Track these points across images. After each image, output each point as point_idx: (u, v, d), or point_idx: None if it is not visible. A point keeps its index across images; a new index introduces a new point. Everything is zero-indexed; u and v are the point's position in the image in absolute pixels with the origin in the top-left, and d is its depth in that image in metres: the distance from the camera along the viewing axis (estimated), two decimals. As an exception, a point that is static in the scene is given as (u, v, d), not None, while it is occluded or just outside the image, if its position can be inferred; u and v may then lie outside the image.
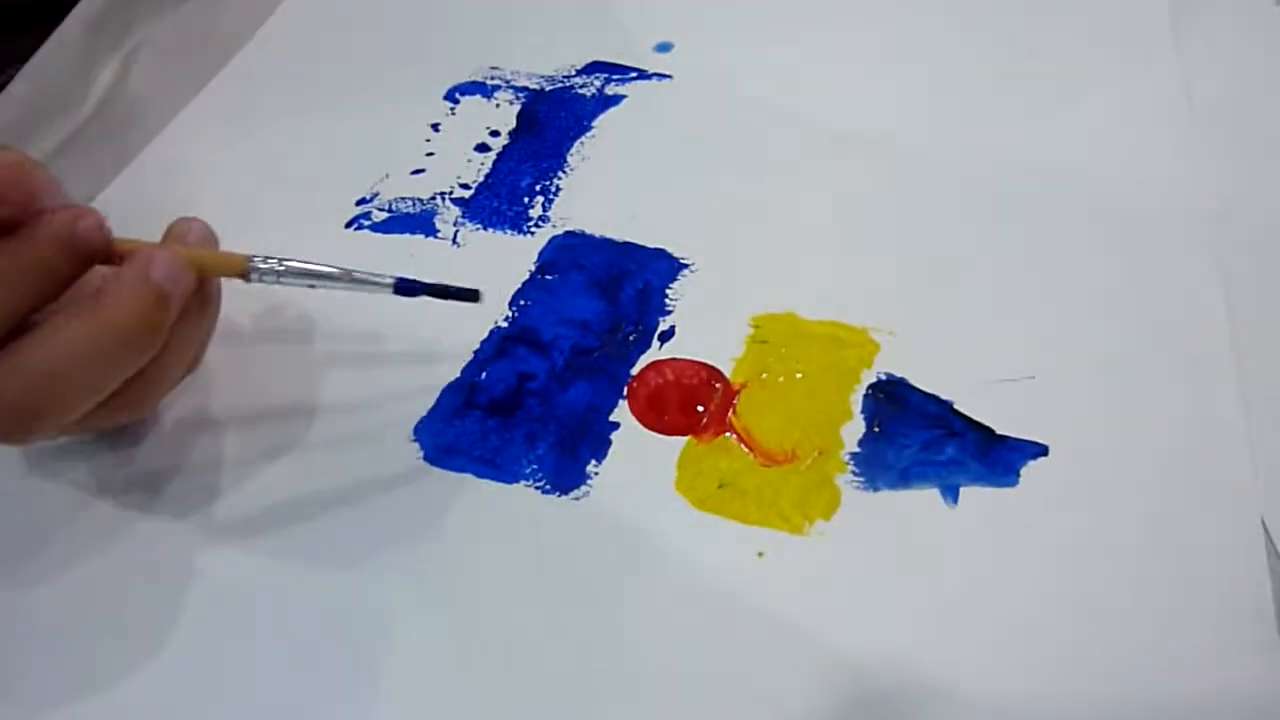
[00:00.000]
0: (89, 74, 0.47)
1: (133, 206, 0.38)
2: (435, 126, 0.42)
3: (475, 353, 0.33)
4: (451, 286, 0.30)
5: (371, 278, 0.29)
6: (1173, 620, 0.25)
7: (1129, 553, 0.27)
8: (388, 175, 0.40)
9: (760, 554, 0.27)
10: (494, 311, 0.34)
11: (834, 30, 0.45)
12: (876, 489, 0.28)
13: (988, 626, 0.25)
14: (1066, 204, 0.36)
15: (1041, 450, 0.28)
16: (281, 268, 0.28)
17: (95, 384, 0.24)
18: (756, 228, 0.36)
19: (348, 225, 0.38)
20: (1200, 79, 0.41)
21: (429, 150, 0.41)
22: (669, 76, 0.44)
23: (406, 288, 0.29)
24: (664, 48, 0.45)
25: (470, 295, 0.30)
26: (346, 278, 0.29)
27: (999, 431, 0.29)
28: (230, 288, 0.30)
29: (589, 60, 0.45)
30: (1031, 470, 0.28)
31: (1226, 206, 0.35)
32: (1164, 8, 0.44)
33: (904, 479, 0.28)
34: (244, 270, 0.28)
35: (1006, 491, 0.28)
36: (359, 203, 0.39)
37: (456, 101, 0.43)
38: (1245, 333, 0.31)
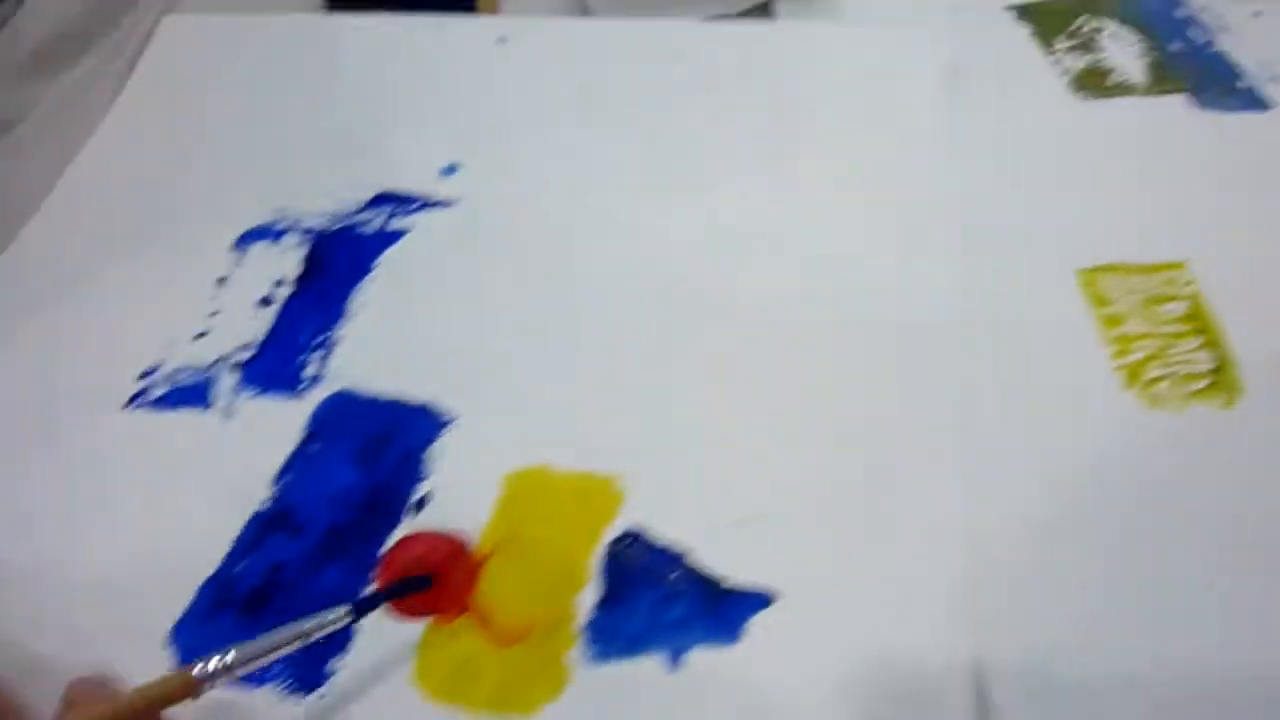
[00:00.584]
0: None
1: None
2: (222, 281, 0.42)
3: (235, 542, 0.33)
4: (403, 583, 0.29)
5: (326, 621, 0.26)
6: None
7: (848, 707, 0.27)
8: (172, 344, 0.40)
9: (488, 739, 0.27)
10: (258, 493, 0.34)
11: (622, 146, 0.45)
12: (606, 660, 0.28)
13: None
14: (811, 335, 0.37)
15: (764, 601, 0.29)
16: (231, 660, 0.25)
17: None
18: (519, 372, 0.37)
19: (126, 405, 0.38)
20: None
21: (213, 309, 0.41)
22: (452, 204, 0.44)
23: (366, 607, 0.28)
24: (450, 170, 0.46)
25: (421, 584, 0.30)
26: (301, 635, 0.26)
27: (728, 582, 0.30)
28: None
29: (375, 192, 0.45)
30: (757, 623, 0.29)
31: (965, 316, 0.36)
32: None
33: (632, 646, 0.29)
34: (194, 686, 0.24)
35: (730, 649, 0.28)
36: (139, 378, 0.39)
37: (245, 250, 0.44)
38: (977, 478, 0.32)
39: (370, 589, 0.31)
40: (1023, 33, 0.50)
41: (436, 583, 0.30)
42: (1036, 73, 0.47)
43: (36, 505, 0.35)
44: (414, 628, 0.30)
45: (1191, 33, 0.49)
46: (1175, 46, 0.48)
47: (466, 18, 0.53)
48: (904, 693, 0.27)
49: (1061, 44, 0.49)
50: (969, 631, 0.28)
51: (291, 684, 0.29)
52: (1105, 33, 0.49)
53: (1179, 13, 0.50)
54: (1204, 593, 0.28)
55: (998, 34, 0.49)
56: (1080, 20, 0.50)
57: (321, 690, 0.29)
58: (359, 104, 0.49)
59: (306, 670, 0.29)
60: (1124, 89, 0.46)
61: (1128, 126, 0.44)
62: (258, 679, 0.29)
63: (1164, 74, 0.46)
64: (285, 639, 0.26)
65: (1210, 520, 0.30)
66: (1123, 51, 0.48)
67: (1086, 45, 0.49)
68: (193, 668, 0.24)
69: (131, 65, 0.54)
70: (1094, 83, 0.46)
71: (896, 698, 0.27)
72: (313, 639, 0.26)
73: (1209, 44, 0.48)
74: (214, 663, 0.24)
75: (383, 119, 0.48)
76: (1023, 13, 0.51)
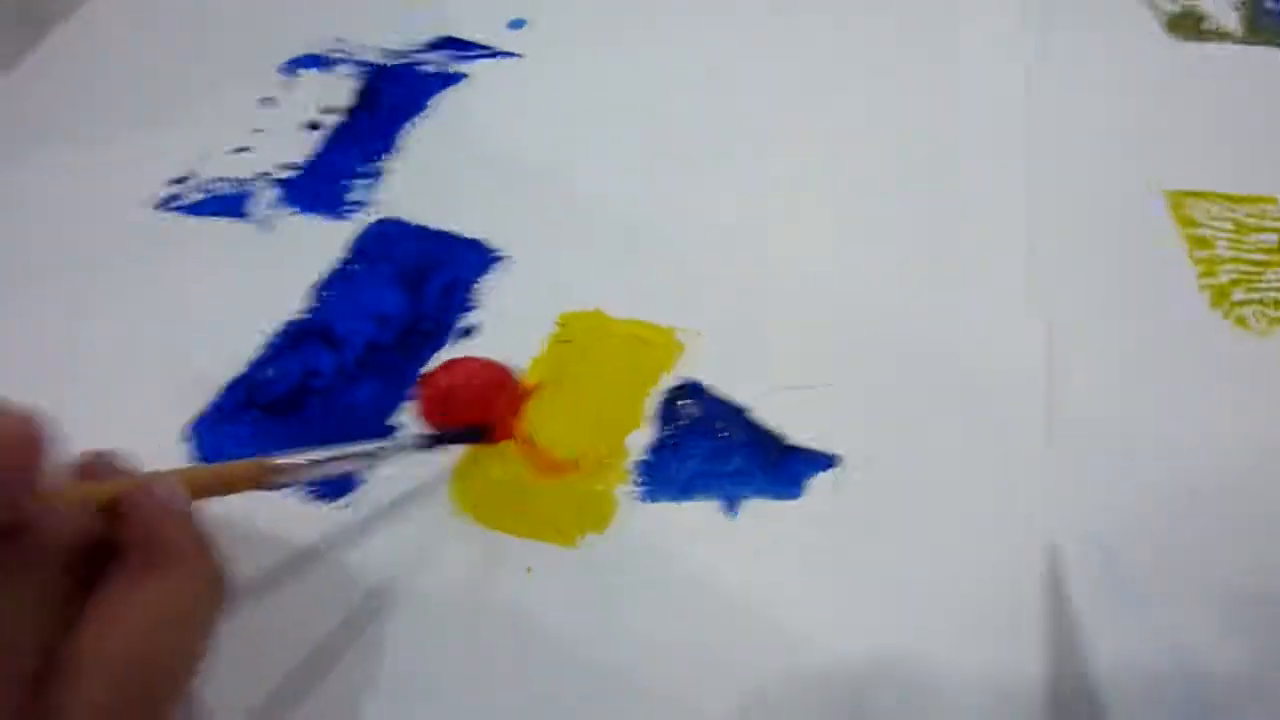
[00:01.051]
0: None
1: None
2: (265, 100, 0.40)
3: (265, 347, 0.31)
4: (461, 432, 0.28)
5: (391, 447, 0.25)
6: (952, 638, 0.24)
7: (912, 573, 0.26)
8: (207, 154, 0.38)
9: (529, 569, 0.26)
10: (293, 304, 0.32)
11: (684, 31, 0.43)
12: (656, 499, 0.27)
13: (758, 645, 0.24)
14: (884, 214, 0.35)
15: (828, 462, 0.27)
16: (303, 462, 0.23)
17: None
18: (578, 222, 0.35)
19: (157, 206, 0.36)
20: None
21: (257, 126, 0.39)
22: (517, 55, 0.42)
23: (432, 442, 0.27)
24: (517, 24, 0.44)
25: (475, 435, 0.28)
26: (369, 456, 0.25)
27: (791, 440, 0.28)
28: None
29: (436, 34, 0.43)
30: (818, 483, 0.27)
31: (1037, 199, 0.35)
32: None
33: (686, 489, 0.27)
34: (266, 476, 0.22)
35: (789, 504, 0.27)
36: (171, 182, 0.37)
37: (294, 75, 0.41)
38: (1060, 357, 0.30)
39: (412, 416, 0.29)
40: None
41: (481, 404, 0.28)
42: (1130, 9, 0.46)
43: (55, 293, 0.33)
44: (452, 449, 0.28)
45: (1286, -6, 0.47)
46: (1270, 4, 0.47)
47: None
48: (973, 567, 0.26)
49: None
50: (1041, 516, 0.27)
51: (317, 491, 0.27)
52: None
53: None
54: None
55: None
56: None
57: (346, 500, 0.27)
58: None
59: (333, 479, 0.28)
60: (1219, 34, 0.44)
61: (1220, 69, 0.42)
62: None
63: (1258, 27, 0.45)
64: (353, 455, 0.24)
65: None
66: (1216, 1, 0.46)
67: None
68: (271, 459, 0.22)
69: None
70: (1188, 25, 0.45)
71: (964, 572, 0.26)
72: (377, 462, 0.25)
73: (1304, 6, 0.47)
74: (286, 459, 0.22)
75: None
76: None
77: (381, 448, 0.25)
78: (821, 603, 0.25)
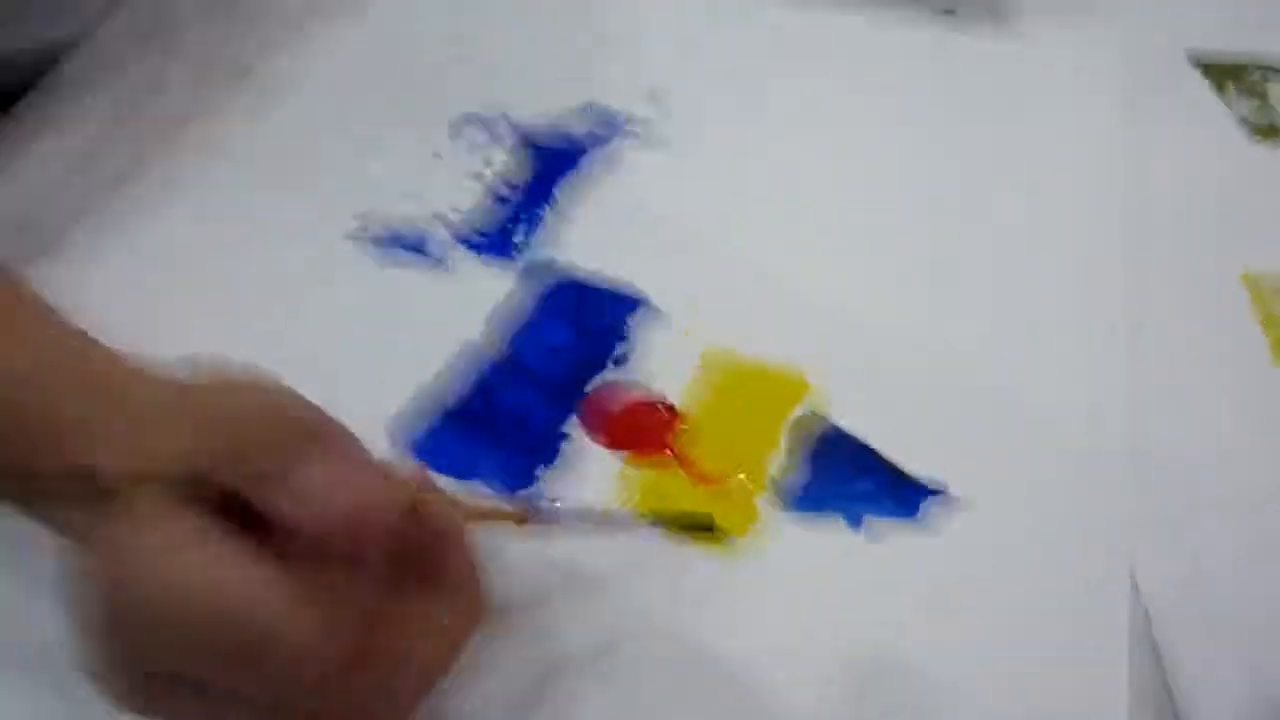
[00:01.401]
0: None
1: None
2: (437, 155, 0.46)
3: (454, 369, 0.36)
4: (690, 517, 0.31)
5: (630, 518, 0.30)
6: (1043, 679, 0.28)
7: (1010, 594, 0.30)
8: (385, 196, 0.44)
9: (680, 565, 0.30)
10: (473, 331, 0.37)
11: (811, 102, 0.49)
12: (792, 510, 0.31)
13: (867, 643, 0.29)
14: (989, 284, 0.40)
15: (940, 491, 0.32)
16: (556, 511, 0.29)
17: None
18: (716, 272, 0.40)
19: (346, 238, 0.42)
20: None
21: (428, 176, 0.45)
22: (653, 121, 0.47)
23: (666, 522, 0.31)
24: (654, 95, 0.49)
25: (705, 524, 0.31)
26: (613, 520, 0.30)
27: (907, 471, 0.32)
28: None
29: (584, 101, 0.49)
30: (931, 507, 0.31)
31: (1133, 278, 0.39)
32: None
33: (818, 504, 0.31)
34: (525, 517, 0.27)
35: (906, 524, 0.31)
36: (356, 217, 0.43)
37: (459, 132, 0.47)
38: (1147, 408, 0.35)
39: (580, 432, 0.34)
40: (1195, 74, 0.53)
41: (639, 422, 0.33)
42: (1209, 113, 0.50)
43: (256, 307, 0.38)
44: (614, 458, 0.33)
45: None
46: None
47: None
48: (1060, 595, 0.30)
49: (1231, 90, 0.52)
50: (1129, 556, 0.31)
51: (503, 482, 0.32)
52: (1273, 84, 0.52)
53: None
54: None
55: (1173, 72, 0.53)
56: (1250, 71, 0.53)
57: (524, 493, 0.32)
58: (583, 23, 0.53)
59: (517, 474, 0.32)
60: (1293, 138, 0.49)
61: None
62: (469, 473, 0.32)
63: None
64: (598, 518, 0.30)
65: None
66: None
67: (1257, 93, 0.52)
68: (530, 503, 0.28)
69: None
70: (1265, 129, 0.49)
71: (1053, 601, 0.30)
72: (618, 528, 0.30)
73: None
74: (545, 504, 0.28)
75: (598, 42, 0.52)
76: (1200, 64, 0.54)
77: (624, 519, 0.30)
78: (923, 618, 0.29)
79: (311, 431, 0.22)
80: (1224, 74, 0.53)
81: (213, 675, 0.20)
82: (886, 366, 0.36)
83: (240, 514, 0.21)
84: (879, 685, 0.28)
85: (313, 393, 0.33)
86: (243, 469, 0.21)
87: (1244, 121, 0.50)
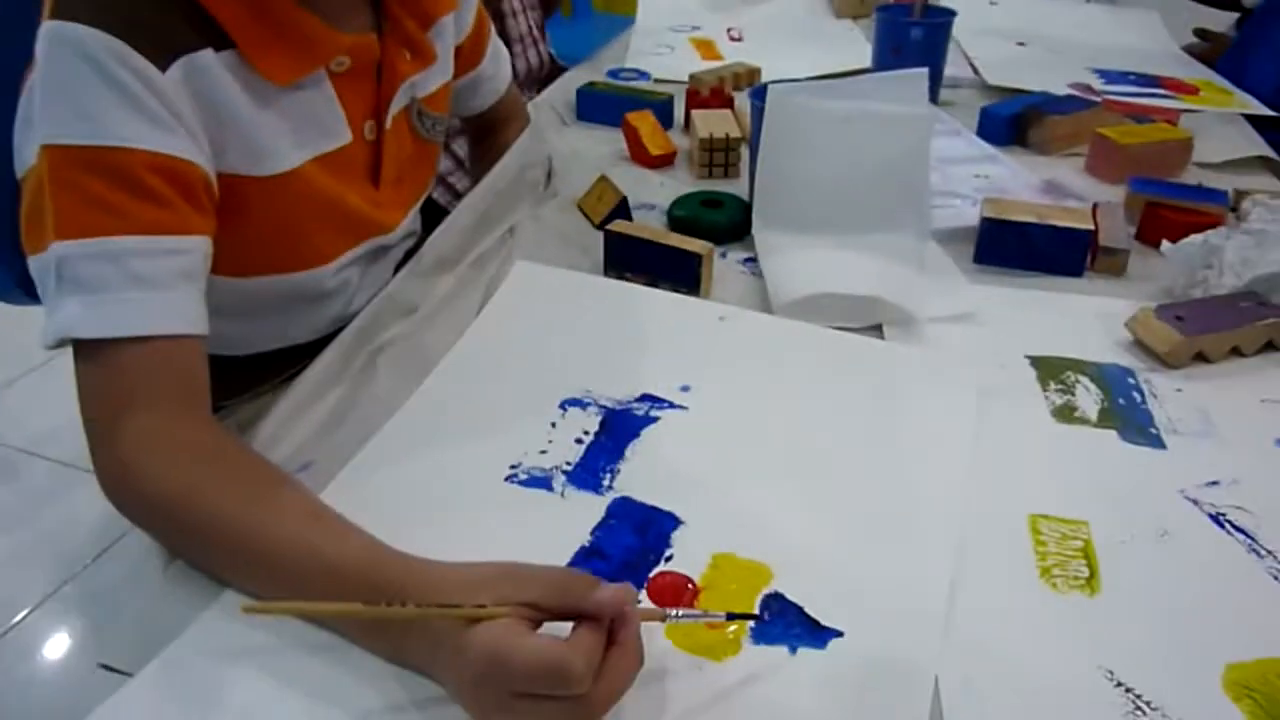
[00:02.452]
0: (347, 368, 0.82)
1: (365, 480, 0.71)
2: (553, 424, 0.76)
3: (572, 557, 0.64)
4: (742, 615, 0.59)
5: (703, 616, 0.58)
6: None
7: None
8: (526, 452, 0.73)
9: (700, 667, 0.57)
10: (581, 539, 0.66)
11: (782, 394, 0.79)
12: (758, 645, 0.59)
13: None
14: (850, 509, 0.68)
15: (839, 633, 0.59)
16: (678, 615, 0.57)
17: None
18: (720, 503, 0.69)
19: (505, 480, 0.71)
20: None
21: (550, 438, 0.75)
22: (686, 407, 0.78)
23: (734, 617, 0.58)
24: (686, 388, 0.80)
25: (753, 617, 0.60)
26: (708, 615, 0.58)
27: (821, 622, 0.60)
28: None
29: (641, 392, 0.79)
30: (833, 644, 0.59)
31: (959, 517, 0.67)
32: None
33: (774, 640, 0.59)
34: (664, 618, 0.55)
35: (818, 652, 0.58)
36: (510, 467, 0.72)
37: (565, 410, 0.78)
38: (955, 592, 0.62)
39: (643, 594, 0.62)
40: (1030, 375, 0.83)
41: (678, 593, 0.61)
42: (1032, 401, 0.80)
43: (442, 527, 0.67)
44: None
45: (1134, 394, 0.81)
46: (1121, 401, 0.81)
47: (699, 301, 0.90)
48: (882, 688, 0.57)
49: (1052, 387, 0.82)
50: (933, 667, 0.58)
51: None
52: (1080, 384, 0.82)
53: (1130, 379, 0.83)
54: None
55: (1015, 374, 0.83)
56: (1067, 373, 0.83)
57: (616, 632, 0.60)
58: (636, 342, 0.84)
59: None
60: (1081, 420, 0.78)
61: (1078, 445, 0.76)
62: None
63: (1107, 416, 0.79)
64: (698, 615, 0.58)
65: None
66: (1088, 397, 0.81)
67: (1068, 389, 0.82)
68: (666, 610, 0.56)
69: (493, 282, 0.91)
70: (1066, 415, 0.79)
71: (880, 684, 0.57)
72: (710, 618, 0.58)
73: (1142, 402, 0.80)
74: (672, 611, 0.56)
75: (649, 350, 0.83)
76: (1034, 361, 0.84)
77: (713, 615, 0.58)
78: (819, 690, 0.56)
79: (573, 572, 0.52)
80: (1048, 371, 0.84)
81: (536, 689, 0.48)
82: (814, 564, 0.64)
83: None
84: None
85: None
86: (565, 600, 0.51)
87: (1054, 408, 0.80)
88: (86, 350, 0.65)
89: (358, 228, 0.88)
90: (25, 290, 0.98)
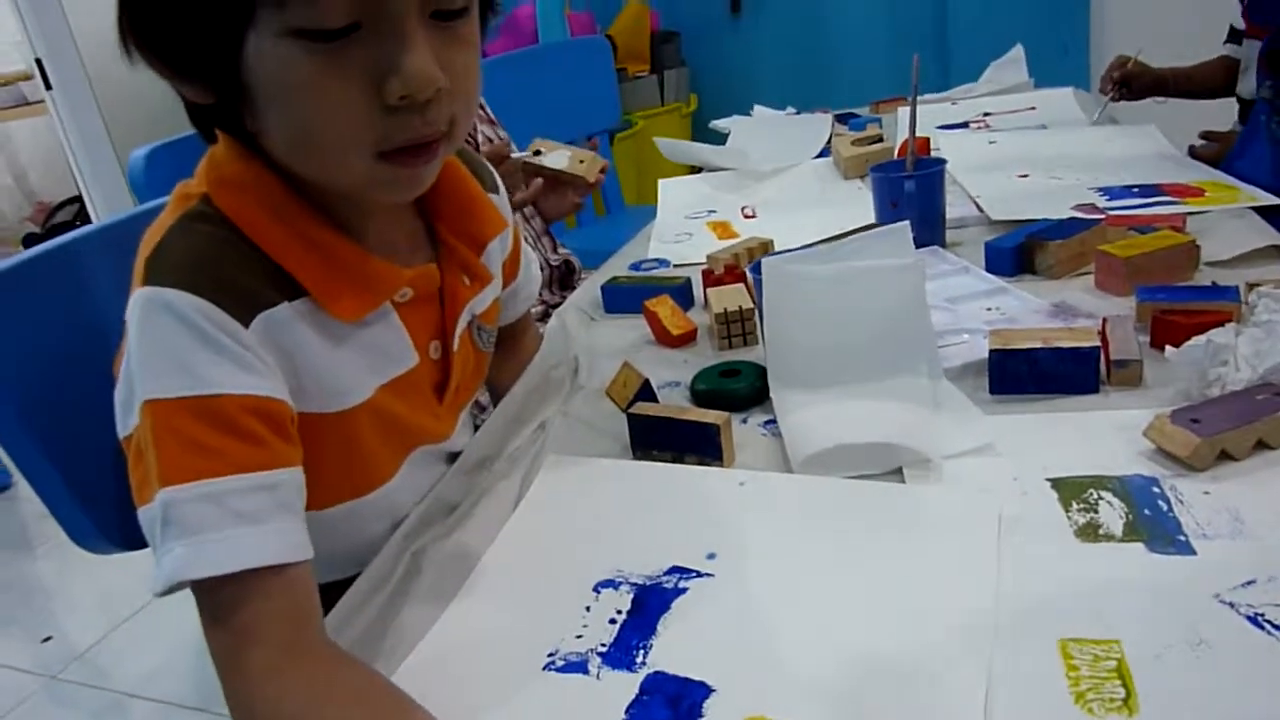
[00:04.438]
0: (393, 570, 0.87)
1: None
2: (587, 608, 0.79)
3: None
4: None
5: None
6: None
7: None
8: (564, 639, 0.76)
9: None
10: (617, 718, 0.68)
11: (806, 551, 0.82)
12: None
13: None
14: (868, 634, 0.69)
15: (872, 785, 0.59)
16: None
17: None
18: (751, 666, 0.70)
19: (544, 669, 0.74)
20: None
21: (585, 622, 0.78)
22: (712, 575, 0.80)
23: None
24: (711, 555, 0.83)
25: None
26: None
27: (855, 776, 0.60)
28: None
29: (670, 565, 0.82)
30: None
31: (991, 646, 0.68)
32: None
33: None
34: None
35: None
36: (548, 655, 0.75)
37: (598, 592, 0.81)
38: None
39: (676, 765, 0.63)
40: (1052, 498, 0.84)
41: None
42: (1055, 523, 0.81)
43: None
44: (699, 784, 0.62)
45: (1159, 502, 0.81)
46: (1146, 511, 0.81)
47: (720, 470, 0.94)
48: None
49: (1074, 507, 0.82)
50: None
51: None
52: (1103, 500, 0.83)
53: (1154, 489, 0.83)
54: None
55: (1037, 498, 0.84)
56: (1089, 491, 0.84)
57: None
58: (662, 517, 0.88)
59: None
60: (1106, 536, 0.78)
61: (1105, 562, 0.76)
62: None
63: (1133, 528, 0.79)
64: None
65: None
66: (1111, 513, 0.81)
67: (1090, 507, 0.82)
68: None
69: (528, 476, 0.97)
70: (1090, 533, 0.79)
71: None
72: None
73: (1169, 510, 0.80)
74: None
75: (675, 523, 0.87)
76: (1055, 484, 0.85)
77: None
78: None
79: None
80: (1069, 492, 0.84)
81: None
82: (848, 717, 0.65)
83: None
84: None
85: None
86: None
87: (1077, 528, 0.80)
88: (199, 591, 0.71)
89: (417, 440, 0.95)
90: (124, 542, 1.08)
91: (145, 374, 0.74)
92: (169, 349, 0.74)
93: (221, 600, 0.71)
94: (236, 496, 0.72)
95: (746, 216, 1.77)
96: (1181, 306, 1.09)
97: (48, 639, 2.17)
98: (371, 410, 0.88)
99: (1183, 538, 0.77)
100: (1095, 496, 0.84)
